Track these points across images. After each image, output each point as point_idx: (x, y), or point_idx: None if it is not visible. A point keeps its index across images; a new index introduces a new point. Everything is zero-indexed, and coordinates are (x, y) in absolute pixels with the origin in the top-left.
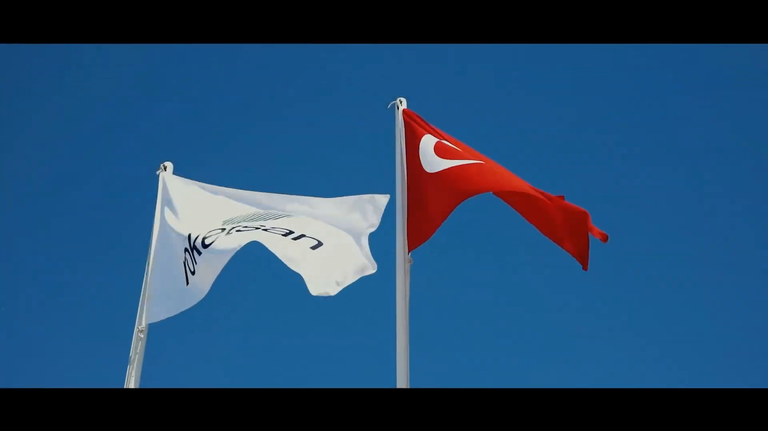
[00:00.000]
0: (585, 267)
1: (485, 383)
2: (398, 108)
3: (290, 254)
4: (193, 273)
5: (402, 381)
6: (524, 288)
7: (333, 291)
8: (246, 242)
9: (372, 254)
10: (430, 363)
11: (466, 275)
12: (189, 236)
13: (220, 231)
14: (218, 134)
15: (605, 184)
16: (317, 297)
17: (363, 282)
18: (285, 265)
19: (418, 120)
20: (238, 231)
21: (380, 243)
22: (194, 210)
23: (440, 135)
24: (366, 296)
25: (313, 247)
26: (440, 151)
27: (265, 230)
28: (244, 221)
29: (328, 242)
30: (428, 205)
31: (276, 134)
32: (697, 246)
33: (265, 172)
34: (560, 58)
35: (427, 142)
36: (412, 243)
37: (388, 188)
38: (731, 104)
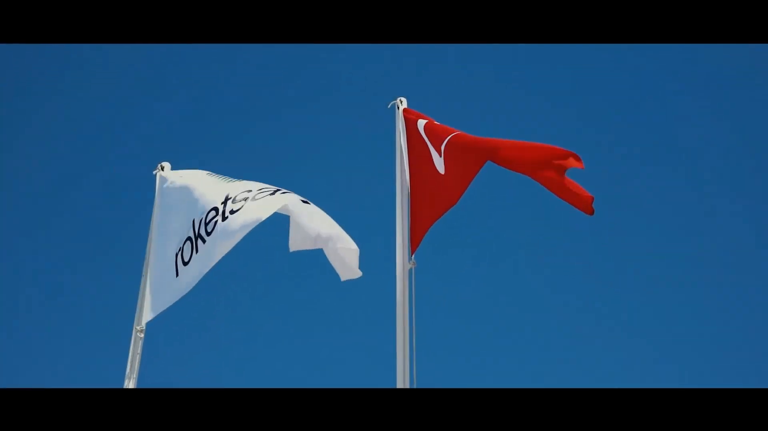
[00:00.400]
0: (590, 212)
1: (486, 383)
2: (398, 108)
3: (280, 203)
4: (185, 263)
5: (402, 381)
6: (524, 288)
7: (315, 245)
8: (245, 223)
9: (374, 254)
10: (431, 364)
11: (467, 275)
12: (193, 222)
13: (215, 213)
14: (218, 134)
15: (605, 183)
16: (317, 296)
17: (364, 282)
18: (284, 265)
19: (418, 116)
20: (232, 212)
21: (382, 243)
22: (195, 195)
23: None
24: (367, 296)
25: (303, 201)
26: (435, 139)
27: (254, 200)
28: (234, 200)
29: (313, 205)
30: (435, 199)
31: (276, 134)
32: (697, 246)
33: (264, 172)
34: (560, 58)
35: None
36: (416, 244)
37: (388, 188)
38: (731, 104)
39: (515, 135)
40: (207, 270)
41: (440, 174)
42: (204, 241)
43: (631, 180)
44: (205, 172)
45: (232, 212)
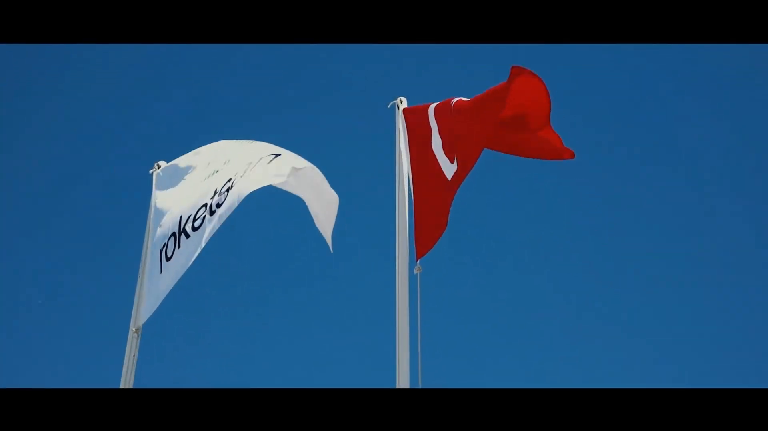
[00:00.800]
0: (571, 155)
1: (486, 383)
2: (398, 108)
3: (255, 178)
4: (168, 258)
5: (402, 381)
6: (524, 288)
7: (295, 178)
8: (221, 215)
9: (376, 254)
10: (431, 364)
11: (467, 275)
12: (180, 218)
13: (204, 209)
14: (218, 134)
15: (605, 184)
16: (318, 296)
17: (366, 282)
18: (284, 264)
19: (420, 111)
20: (218, 205)
21: (384, 244)
22: (185, 190)
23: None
24: (369, 295)
25: (270, 161)
26: (448, 148)
27: (232, 188)
28: (220, 193)
29: (286, 153)
30: (442, 204)
31: (276, 134)
32: (697, 246)
33: None
34: (560, 58)
35: (437, 144)
36: (422, 250)
37: (388, 188)
38: (731, 104)
39: None
40: (189, 264)
41: (446, 178)
42: (188, 236)
43: (631, 180)
44: (211, 149)
45: (218, 205)
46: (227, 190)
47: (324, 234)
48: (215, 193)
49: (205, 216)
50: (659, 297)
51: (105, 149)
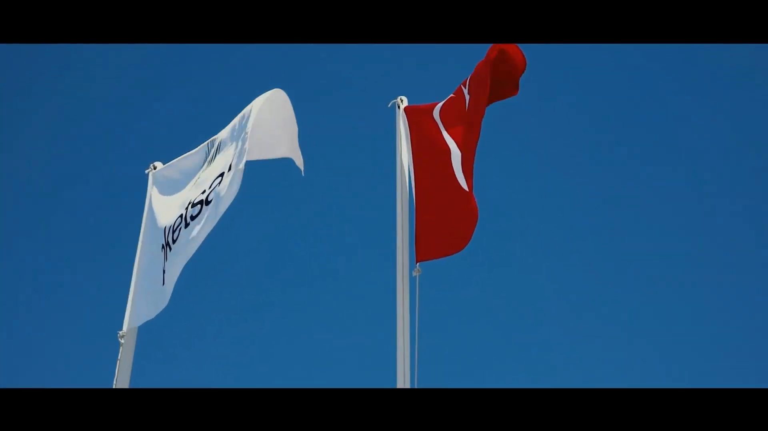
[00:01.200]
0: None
1: (486, 383)
2: (399, 107)
3: (230, 195)
4: (164, 271)
5: (402, 381)
6: (523, 287)
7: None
8: (202, 230)
9: (377, 254)
10: (432, 364)
11: (466, 275)
12: (165, 229)
13: (180, 220)
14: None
15: (605, 184)
16: (318, 296)
17: (366, 283)
18: (284, 264)
19: (425, 110)
20: (192, 218)
21: (384, 245)
22: (171, 200)
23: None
24: (369, 296)
25: (229, 171)
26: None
27: (207, 203)
28: (193, 204)
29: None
30: (455, 214)
31: None
32: (697, 246)
33: (263, 172)
34: (560, 58)
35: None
36: (424, 254)
37: (389, 188)
38: (731, 104)
39: (515, 134)
40: (176, 277)
41: (459, 184)
42: (171, 249)
43: (631, 180)
44: (196, 158)
45: (192, 218)
46: (200, 203)
47: (294, 158)
48: (190, 204)
49: (180, 228)
50: (659, 297)
51: (104, 149)
